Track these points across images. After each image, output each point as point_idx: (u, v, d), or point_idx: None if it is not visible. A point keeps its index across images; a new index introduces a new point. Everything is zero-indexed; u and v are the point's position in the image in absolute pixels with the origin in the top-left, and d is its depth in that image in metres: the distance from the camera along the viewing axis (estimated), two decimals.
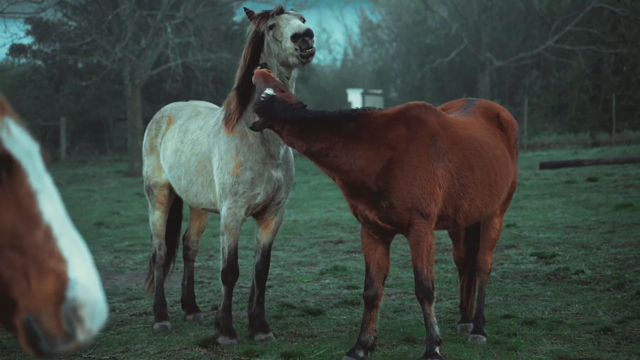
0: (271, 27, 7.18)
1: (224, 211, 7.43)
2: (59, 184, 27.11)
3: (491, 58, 45.28)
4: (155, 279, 8.57)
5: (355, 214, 6.85)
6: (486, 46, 45.74)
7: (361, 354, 6.81)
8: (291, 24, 7.05)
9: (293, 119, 6.42)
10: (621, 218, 13.70)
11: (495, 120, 7.36)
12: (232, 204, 7.37)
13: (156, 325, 8.14)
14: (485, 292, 7.63)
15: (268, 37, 7.23)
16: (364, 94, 49.61)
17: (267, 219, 7.65)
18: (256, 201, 7.41)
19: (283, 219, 7.81)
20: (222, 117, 7.60)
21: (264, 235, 7.68)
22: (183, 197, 8.10)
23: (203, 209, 8.05)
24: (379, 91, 53.16)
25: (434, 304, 6.75)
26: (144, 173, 8.60)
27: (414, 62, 53.57)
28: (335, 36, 78.78)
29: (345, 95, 51.67)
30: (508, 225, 13.35)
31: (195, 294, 9.24)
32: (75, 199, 22.54)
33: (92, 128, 40.91)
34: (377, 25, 59.04)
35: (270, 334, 7.61)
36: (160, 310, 8.29)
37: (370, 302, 6.83)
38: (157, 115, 8.56)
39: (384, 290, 9.42)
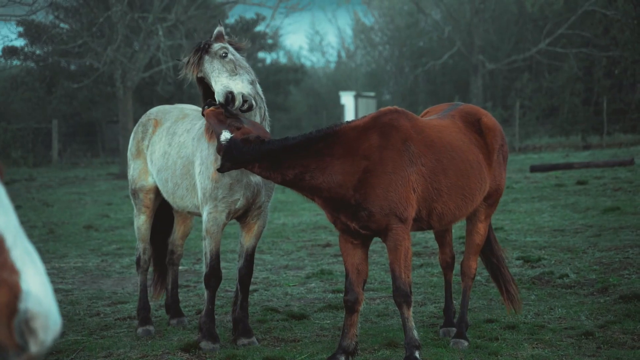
0: (201, 80, 7.24)
1: (204, 216, 7.46)
2: (50, 186, 27.09)
3: (483, 61, 45.37)
4: (139, 284, 8.56)
5: (334, 222, 6.88)
6: (478, 49, 45.82)
7: (342, 359, 6.83)
8: (215, 82, 7.04)
9: (259, 156, 6.49)
10: (608, 222, 13.73)
11: (475, 125, 7.37)
12: (213, 208, 7.39)
13: (139, 330, 8.14)
14: (469, 297, 7.65)
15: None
16: (356, 97, 49.61)
17: (250, 223, 7.65)
18: (236, 206, 7.43)
19: (266, 222, 7.81)
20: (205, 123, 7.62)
21: (247, 239, 7.69)
22: (170, 200, 8.10)
23: (189, 212, 8.05)
24: (372, 94, 53.17)
25: (412, 308, 6.78)
26: (129, 177, 8.59)
27: (407, 64, 53.65)
28: (329, 39, 78.83)
29: (338, 98, 51.68)
30: (495, 229, 13.34)
31: (180, 298, 9.24)
32: (65, 201, 22.51)
33: (85, 130, 40.90)
34: (370, 27, 59.09)
35: (254, 339, 7.62)
36: (144, 314, 8.28)
37: (351, 307, 6.87)
38: (144, 119, 8.55)
39: (369, 294, 9.52)
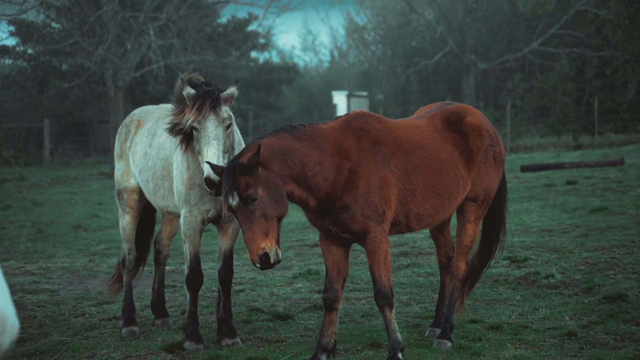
0: (194, 128, 7.05)
1: (181, 219, 7.53)
2: (41, 186, 27.02)
3: (476, 60, 45.41)
4: (124, 284, 8.56)
5: (315, 224, 6.90)
6: (471, 49, 45.88)
7: (323, 357, 6.86)
8: (209, 150, 6.87)
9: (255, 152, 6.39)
10: (596, 222, 13.74)
11: (456, 124, 7.31)
12: (187, 212, 7.46)
13: (124, 330, 8.15)
14: (457, 298, 7.63)
15: (194, 130, 7.11)
16: (349, 96, 49.62)
17: (224, 226, 7.68)
18: (208, 215, 7.48)
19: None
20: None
21: (223, 242, 7.72)
22: (151, 200, 8.11)
23: (169, 212, 8.05)
24: (365, 93, 53.19)
25: (394, 310, 6.80)
26: (115, 177, 8.62)
27: (399, 64, 53.67)
28: (321, 38, 78.73)
29: (331, 97, 51.68)
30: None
31: (167, 298, 9.25)
32: (56, 201, 22.46)
33: (76, 130, 40.83)
34: (363, 27, 59.09)
35: (238, 339, 7.62)
36: (129, 314, 8.29)
37: (330, 305, 6.90)
38: (127, 120, 8.58)
39: (355, 294, 9.53)
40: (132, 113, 8.70)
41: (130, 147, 8.33)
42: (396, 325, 6.81)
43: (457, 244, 7.60)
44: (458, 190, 7.19)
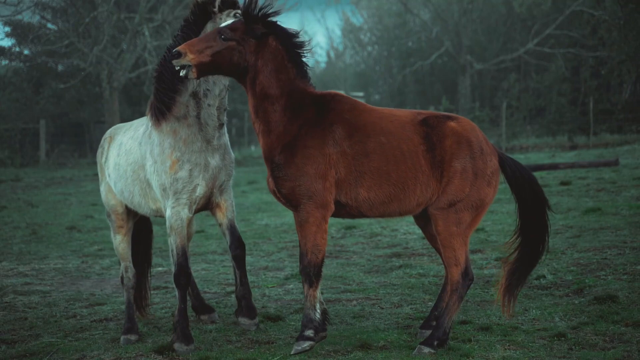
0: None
1: (167, 212, 7.49)
2: (37, 187, 27.01)
3: (471, 61, 45.47)
4: (125, 300, 8.44)
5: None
6: (467, 49, 45.94)
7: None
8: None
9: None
10: (589, 222, 13.75)
11: (437, 123, 7.16)
12: (175, 202, 7.43)
13: (122, 338, 8.00)
14: (452, 311, 7.26)
15: None
16: None
17: (218, 203, 7.69)
18: (197, 194, 7.47)
19: (232, 198, 7.84)
20: (149, 121, 7.66)
21: (222, 216, 7.73)
22: (132, 207, 8.16)
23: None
24: (361, 94, 53.22)
25: (318, 290, 6.96)
26: (102, 199, 8.62)
27: (395, 64, 53.70)
28: (317, 39, 78.70)
29: None
30: (477, 230, 13.36)
31: (159, 300, 9.27)
32: (51, 202, 22.44)
33: (72, 131, 40.78)
34: (359, 28, 59.13)
35: (256, 320, 7.88)
36: (130, 325, 8.15)
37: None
38: (102, 139, 8.67)
39: (346, 295, 9.55)
40: (106, 132, 8.76)
41: (105, 162, 8.39)
42: (314, 303, 6.97)
43: (442, 256, 7.38)
44: (415, 183, 7.03)
